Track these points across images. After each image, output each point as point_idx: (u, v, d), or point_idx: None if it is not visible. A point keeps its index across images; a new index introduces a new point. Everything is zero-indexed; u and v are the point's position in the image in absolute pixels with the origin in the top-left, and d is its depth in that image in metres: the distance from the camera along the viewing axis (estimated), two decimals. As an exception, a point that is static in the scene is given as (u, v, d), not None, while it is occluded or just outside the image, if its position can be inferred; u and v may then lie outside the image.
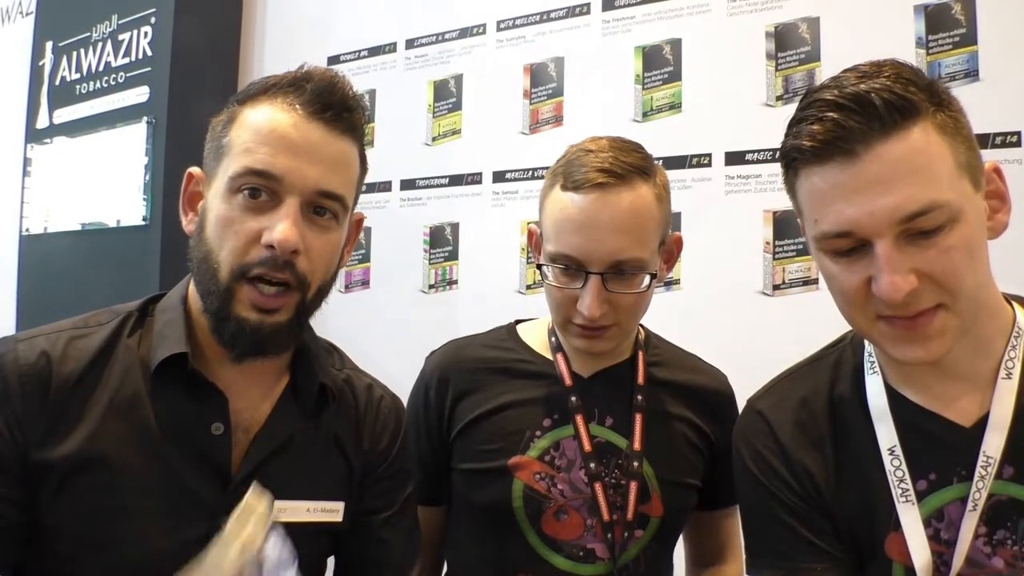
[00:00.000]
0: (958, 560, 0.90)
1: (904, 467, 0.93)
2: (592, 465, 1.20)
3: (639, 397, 1.24)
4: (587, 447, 1.20)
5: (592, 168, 1.13)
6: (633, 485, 1.19)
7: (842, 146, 0.83)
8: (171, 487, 0.94)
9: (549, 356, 1.28)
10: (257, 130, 0.95)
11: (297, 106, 0.96)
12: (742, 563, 1.33)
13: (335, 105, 0.97)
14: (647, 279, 1.15)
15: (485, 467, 1.22)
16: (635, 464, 1.20)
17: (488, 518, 1.22)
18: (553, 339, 1.29)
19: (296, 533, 0.98)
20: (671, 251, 1.25)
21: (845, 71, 0.87)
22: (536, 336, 1.32)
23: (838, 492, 0.97)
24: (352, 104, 1.00)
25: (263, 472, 0.98)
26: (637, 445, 1.21)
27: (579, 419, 1.22)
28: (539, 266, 1.20)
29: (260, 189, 0.93)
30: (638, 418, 1.23)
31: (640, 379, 1.26)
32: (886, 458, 0.94)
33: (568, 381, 1.24)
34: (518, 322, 1.37)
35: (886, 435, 0.95)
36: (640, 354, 1.28)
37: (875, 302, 0.86)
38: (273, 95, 0.97)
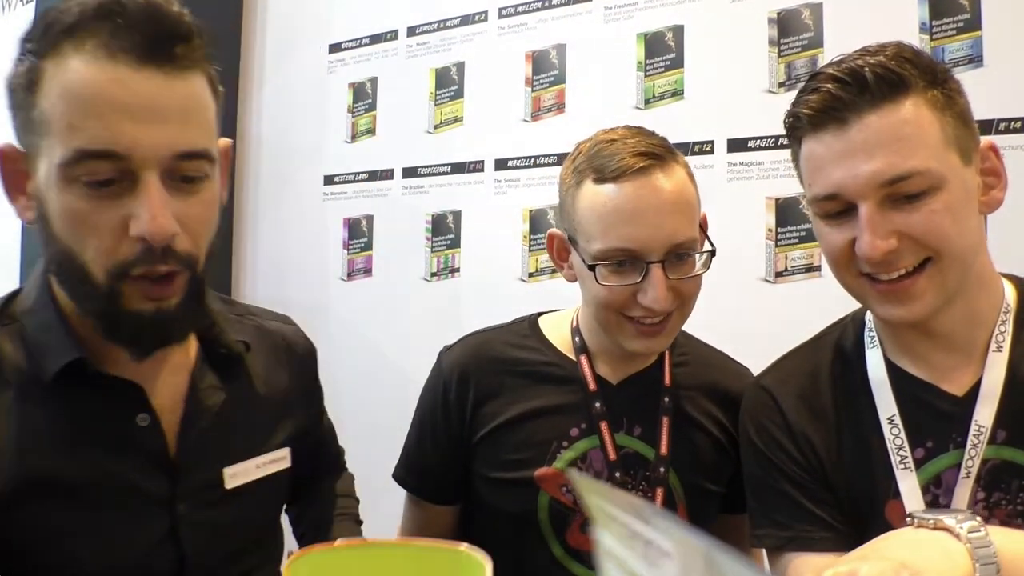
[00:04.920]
0: None
1: (903, 435, 0.97)
2: (617, 475, 1.16)
3: (665, 399, 1.20)
4: (612, 456, 1.17)
5: (628, 154, 1.07)
6: (659, 492, 1.17)
7: (834, 115, 0.90)
8: (116, 492, 0.87)
9: (574, 358, 1.22)
10: (75, 96, 0.75)
11: (117, 53, 0.75)
12: None
13: (164, 39, 0.77)
14: (703, 257, 1.11)
15: (511, 477, 1.18)
16: (661, 471, 1.17)
17: (511, 526, 1.18)
18: (577, 339, 1.23)
19: (253, 492, 0.98)
20: (704, 231, 1.20)
21: (855, 51, 0.93)
22: (560, 335, 1.25)
23: (840, 462, 1.01)
24: (186, 30, 0.79)
25: (204, 448, 0.93)
26: (664, 451, 1.17)
27: (603, 426, 1.18)
28: (591, 267, 1.08)
29: (107, 173, 0.77)
30: (664, 422, 1.19)
31: (667, 380, 1.22)
32: (885, 427, 0.98)
33: (592, 386, 1.19)
34: (540, 314, 1.31)
35: (885, 405, 0.99)
36: (666, 354, 1.23)
37: (859, 261, 0.92)
38: (80, 41, 0.76)
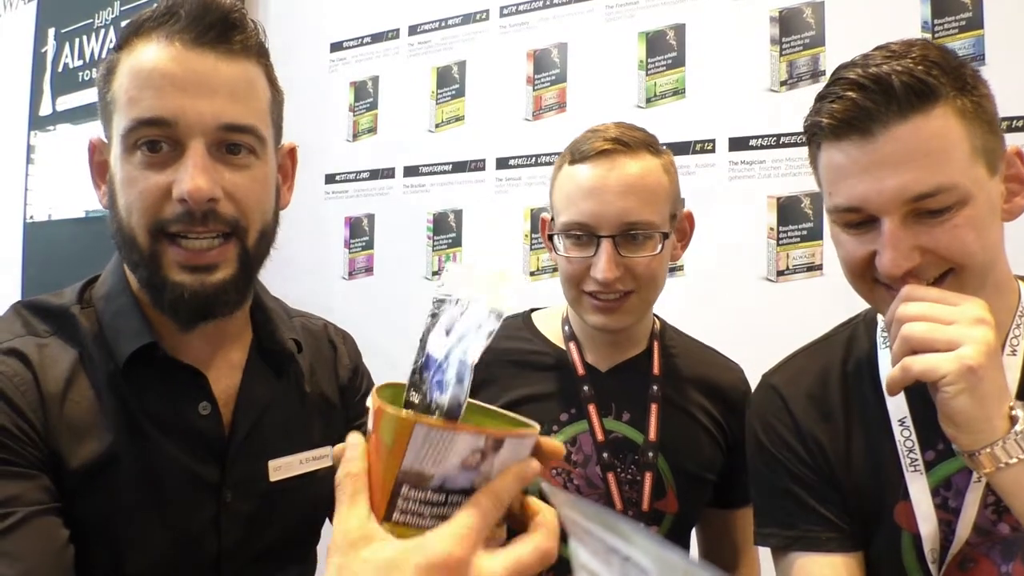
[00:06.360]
0: (964, 528, 0.92)
1: (914, 437, 0.95)
2: (605, 455, 1.19)
3: (655, 387, 1.23)
4: (600, 437, 1.19)
5: (599, 139, 1.15)
6: (648, 476, 1.18)
7: (858, 125, 0.85)
8: (174, 476, 0.91)
9: (563, 346, 1.26)
10: (137, 73, 0.85)
11: (175, 37, 0.86)
12: (758, 572, 1.33)
13: (216, 25, 0.87)
14: (660, 243, 1.15)
15: None
16: (650, 455, 1.19)
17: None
18: (567, 328, 1.27)
19: (295, 489, 1.00)
20: (684, 228, 1.25)
21: (875, 49, 0.89)
22: (550, 325, 1.29)
23: (848, 462, 1.00)
24: (237, 20, 0.89)
25: (252, 440, 0.97)
26: (652, 436, 1.20)
27: (591, 409, 1.21)
28: (549, 237, 1.19)
29: (159, 141, 0.85)
30: (653, 408, 1.22)
31: (656, 369, 1.25)
32: (896, 428, 0.96)
33: (580, 370, 1.23)
34: (533, 310, 1.35)
35: (896, 406, 0.97)
36: (656, 344, 1.27)
37: (876, 272, 0.89)
38: (148, 32, 0.87)
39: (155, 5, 0.89)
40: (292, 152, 1.03)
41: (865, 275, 0.91)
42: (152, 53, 0.85)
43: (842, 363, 1.04)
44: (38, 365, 0.87)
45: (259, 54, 0.93)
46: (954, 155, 0.84)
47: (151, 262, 0.87)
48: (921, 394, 0.95)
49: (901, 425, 0.96)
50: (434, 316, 0.62)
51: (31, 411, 0.85)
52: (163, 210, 0.85)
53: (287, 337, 1.03)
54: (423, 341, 0.61)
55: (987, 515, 0.92)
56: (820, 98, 0.91)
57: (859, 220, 0.89)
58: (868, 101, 0.84)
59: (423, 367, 0.60)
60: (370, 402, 0.59)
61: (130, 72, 0.86)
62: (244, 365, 1.00)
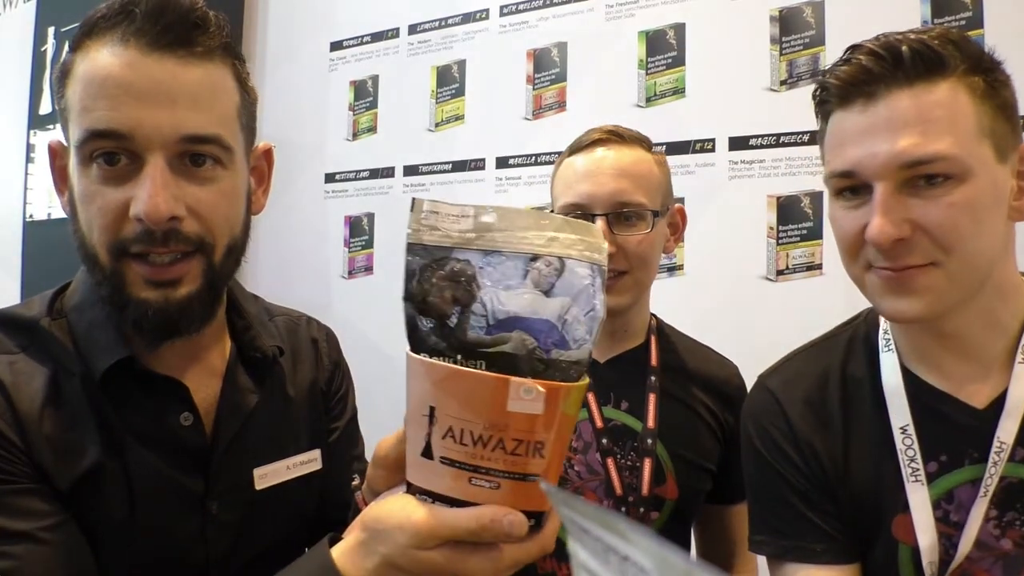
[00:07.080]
0: (966, 543, 0.89)
1: (916, 447, 0.92)
2: (604, 441, 1.22)
3: (652, 378, 1.26)
4: (599, 423, 1.23)
5: (596, 132, 1.24)
6: (647, 462, 1.21)
7: (864, 89, 0.85)
8: (159, 489, 0.88)
9: None
10: (90, 81, 0.79)
11: (131, 40, 0.79)
12: (755, 569, 1.33)
13: (175, 26, 0.80)
14: (651, 223, 1.20)
15: None
16: (649, 442, 1.22)
17: None
18: None
19: (282, 496, 0.98)
20: (676, 222, 1.30)
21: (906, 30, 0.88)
22: None
23: (846, 472, 0.96)
24: (198, 19, 0.82)
25: (235, 449, 0.94)
26: (651, 423, 1.23)
27: (591, 397, 1.24)
28: None
29: (115, 153, 0.79)
30: (651, 398, 1.24)
31: (654, 361, 1.28)
32: (898, 437, 0.93)
33: None
34: None
35: (899, 414, 0.94)
36: (653, 338, 1.31)
37: (868, 251, 0.86)
38: (102, 33, 0.80)
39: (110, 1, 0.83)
40: (268, 153, 0.97)
41: (858, 256, 0.88)
42: (106, 58, 0.79)
43: (842, 366, 1.01)
44: (11, 385, 0.83)
45: (225, 53, 0.86)
46: (957, 127, 0.82)
47: (114, 280, 0.83)
48: (926, 402, 0.93)
49: (903, 433, 0.92)
50: (469, 275, 0.61)
51: (11, 432, 0.81)
52: (122, 229, 0.80)
53: (268, 344, 1.00)
54: (472, 299, 0.60)
55: (989, 530, 0.88)
56: (834, 64, 0.90)
57: (851, 186, 0.87)
58: (876, 66, 0.84)
59: (499, 324, 0.59)
60: (525, 396, 0.55)
61: (83, 78, 0.80)
62: (224, 373, 0.96)
